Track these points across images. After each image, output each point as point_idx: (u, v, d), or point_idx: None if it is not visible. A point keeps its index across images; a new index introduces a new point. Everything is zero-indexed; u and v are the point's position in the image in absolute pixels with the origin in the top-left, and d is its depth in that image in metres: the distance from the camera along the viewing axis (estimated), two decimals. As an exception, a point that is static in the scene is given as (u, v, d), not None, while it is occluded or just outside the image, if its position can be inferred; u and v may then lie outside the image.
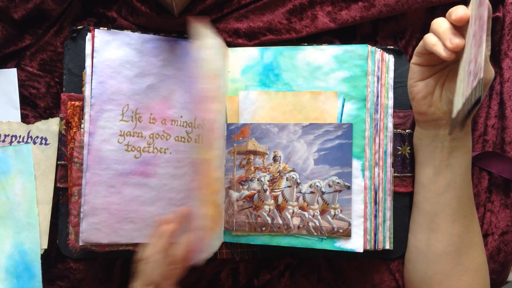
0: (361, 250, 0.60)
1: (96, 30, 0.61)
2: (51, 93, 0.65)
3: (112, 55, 0.61)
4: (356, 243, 0.60)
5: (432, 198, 0.60)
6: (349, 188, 0.61)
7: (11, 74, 0.65)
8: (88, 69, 0.61)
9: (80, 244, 0.60)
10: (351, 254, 0.60)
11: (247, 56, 0.65)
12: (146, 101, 0.61)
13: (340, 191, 0.61)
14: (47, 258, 0.64)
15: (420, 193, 0.62)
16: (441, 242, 0.59)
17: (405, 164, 0.65)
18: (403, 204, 0.65)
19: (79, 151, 0.61)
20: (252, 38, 0.66)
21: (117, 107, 0.60)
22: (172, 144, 0.62)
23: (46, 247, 0.63)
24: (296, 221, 0.62)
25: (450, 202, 0.59)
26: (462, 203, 0.59)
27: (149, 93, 0.61)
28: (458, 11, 0.50)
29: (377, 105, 0.62)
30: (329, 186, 0.61)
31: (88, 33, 0.62)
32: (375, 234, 0.63)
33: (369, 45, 0.62)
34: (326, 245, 0.61)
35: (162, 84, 0.62)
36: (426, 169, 0.61)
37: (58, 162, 0.64)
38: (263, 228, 0.62)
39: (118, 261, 0.66)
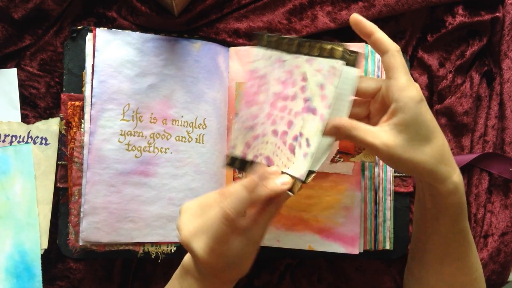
0: (357, 252, 0.60)
1: (97, 29, 0.61)
2: (51, 93, 0.65)
3: (113, 54, 0.61)
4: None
5: (421, 237, 0.56)
6: None
7: (11, 74, 0.65)
8: (88, 69, 0.61)
9: (80, 243, 0.60)
10: (351, 255, 0.60)
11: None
12: (147, 101, 0.61)
13: None
14: (47, 258, 0.64)
15: (414, 226, 0.58)
16: (432, 277, 0.56)
17: (405, 164, 0.65)
18: (403, 204, 0.65)
19: (79, 151, 0.61)
20: (252, 38, 0.66)
21: (118, 106, 0.60)
22: (173, 143, 0.62)
23: (46, 247, 0.63)
24: None
25: (437, 246, 0.54)
26: (451, 249, 0.54)
27: (150, 93, 0.61)
28: None
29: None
30: None
31: (88, 33, 0.62)
32: (375, 234, 0.63)
33: (369, 45, 0.62)
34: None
35: (163, 83, 0.62)
36: (416, 205, 0.57)
37: (58, 162, 0.64)
38: None
39: (118, 261, 0.65)
